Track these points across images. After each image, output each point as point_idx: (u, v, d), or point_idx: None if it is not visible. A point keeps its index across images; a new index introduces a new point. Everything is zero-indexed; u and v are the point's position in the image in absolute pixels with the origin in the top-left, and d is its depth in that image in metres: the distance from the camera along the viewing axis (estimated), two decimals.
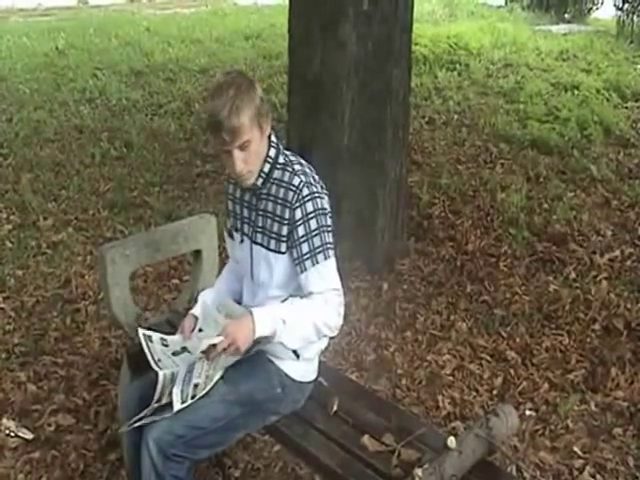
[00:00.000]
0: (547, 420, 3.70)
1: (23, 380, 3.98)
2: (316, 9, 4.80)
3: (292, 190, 2.53)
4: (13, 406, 3.78)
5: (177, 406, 2.48)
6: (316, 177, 2.64)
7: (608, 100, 8.80)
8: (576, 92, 9.08)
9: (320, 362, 2.91)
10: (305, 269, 2.55)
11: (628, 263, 5.19)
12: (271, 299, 2.66)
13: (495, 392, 3.93)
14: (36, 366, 4.10)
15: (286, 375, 2.72)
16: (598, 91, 9.06)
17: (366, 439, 2.62)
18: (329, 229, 2.59)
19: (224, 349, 2.45)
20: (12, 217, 5.86)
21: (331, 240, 2.59)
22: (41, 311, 4.65)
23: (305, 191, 2.53)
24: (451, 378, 4.03)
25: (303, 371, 2.77)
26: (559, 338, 4.37)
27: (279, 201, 2.57)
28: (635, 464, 3.43)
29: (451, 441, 2.41)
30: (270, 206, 2.60)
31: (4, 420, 3.65)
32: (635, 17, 13.28)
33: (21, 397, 3.84)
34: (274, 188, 2.59)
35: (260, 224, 2.66)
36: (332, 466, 2.54)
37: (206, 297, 2.94)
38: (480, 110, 8.57)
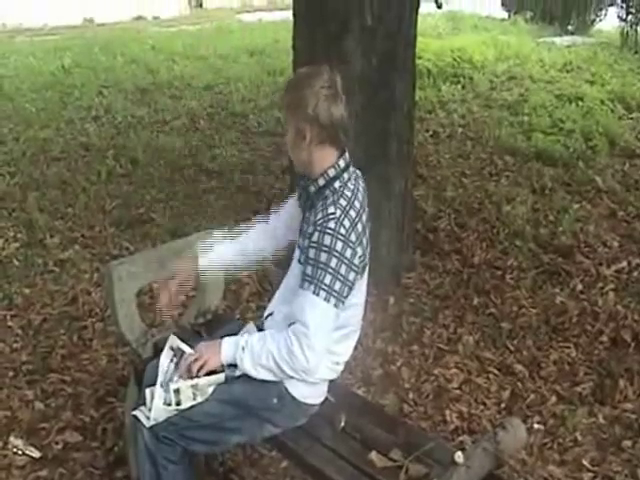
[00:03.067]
0: (555, 433, 3.68)
1: (30, 398, 3.98)
2: (320, 25, 4.82)
3: (323, 214, 2.52)
4: (21, 424, 3.77)
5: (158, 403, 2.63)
6: (359, 226, 2.60)
7: (613, 111, 8.81)
8: (580, 103, 9.10)
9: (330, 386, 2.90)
10: (300, 286, 2.54)
11: (635, 274, 5.18)
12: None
13: (503, 405, 3.91)
14: (43, 384, 4.10)
15: (285, 389, 2.70)
16: (602, 102, 9.07)
17: (374, 455, 2.61)
18: (339, 277, 2.50)
19: (193, 361, 2.63)
20: (19, 235, 5.87)
21: (336, 288, 2.50)
22: (48, 329, 4.65)
23: (331, 224, 2.49)
24: (458, 392, 4.01)
25: (305, 392, 2.74)
26: (566, 350, 4.35)
27: (315, 212, 2.57)
28: None
29: (459, 456, 2.40)
30: (308, 213, 2.65)
31: (12, 438, 3.64)
32: (638, 28, 13.29)
33: (28, 415, 3.84)
34: (318, 204, 2.59)
35: (306, 216, 2.70)
36: None
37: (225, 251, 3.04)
38: (484, 123, 8.59)
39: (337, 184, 2.61)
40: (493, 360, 4.28)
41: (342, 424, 2.81)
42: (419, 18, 5.15)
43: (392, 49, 4.82)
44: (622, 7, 13.92)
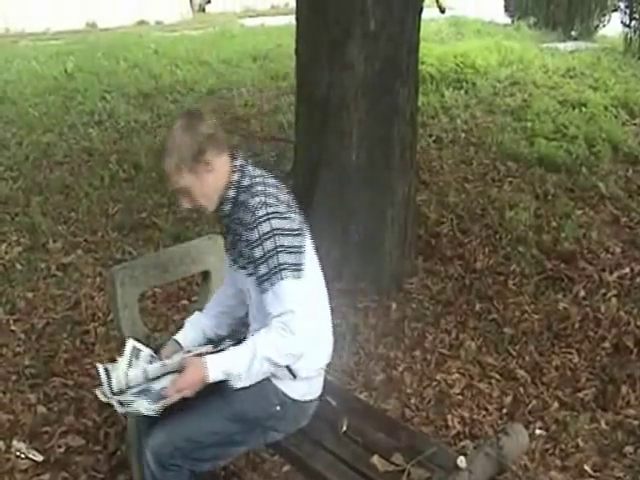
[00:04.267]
0: (557, 439, 3.69)
1: (33, 402, 3.99)
2: (323, 30, 4.83)
3: (249, 211, 2.56)
4: (23, 428, 3.78)
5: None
6: (282, 196, 2.65)
7: (616, 117, 8.80)
8: (584, 109, 9.08)
9: (325, 379, 2.89)
10: (264, 291, 2.54)
11: (638, 280, 5.17)
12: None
13: (505, 411, 3.91)
14: (46, 388, 4.11)
15: (284, 394, 2.71)
16: (606, 108, 9.06)
17: (376, 459, 2.61)
18: (290, 249, 2.54)
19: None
20: (22, 239, 5.88)
21: (292, 261, 2.52)
22: (51, 333, 4.66)
23: (260, 212, 2.54)
24: (460, 397, 4.02)
25: (302, 390, 2.75)
26: (569, 356, 4.35)
27: (243, 223, 2.59)
28: None
29: (461, 460, 2.40)
30: (240, 230, 2.63)
31: (14, 442, 3.65)
32: None
33: (31, 419, 3.85)
34: (241, 212, 2.62)
35: (237, 248, 2.69)
36: None
37: (194, 322, 3.02)
38: (487, 128, 8.58)
39: (245, 182, 2.66)
40: (495, 365, 4.29)
41: (344, 428, 2.81)
42: (422, 23, 5.17)
43: (395, 54, 4.84)
44: (625, 13, 13.90)
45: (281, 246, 2.52)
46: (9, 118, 9.17)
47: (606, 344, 4.45)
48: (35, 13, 16.61)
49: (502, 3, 17.32)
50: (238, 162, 2.70)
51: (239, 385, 2.56)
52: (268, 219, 2.52)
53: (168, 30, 17.22)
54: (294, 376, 2.69)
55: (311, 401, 2.82)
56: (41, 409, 3.94)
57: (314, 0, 4.95)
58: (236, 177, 2.66)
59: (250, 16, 20.03)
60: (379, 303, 4.91)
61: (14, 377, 4.22)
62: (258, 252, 2.53)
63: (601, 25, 15.96)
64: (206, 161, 2.61)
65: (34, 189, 6.89)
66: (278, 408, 2.72)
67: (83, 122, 9.03)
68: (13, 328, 4.71)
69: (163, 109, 9.61)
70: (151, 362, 2.80)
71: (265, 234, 2.51)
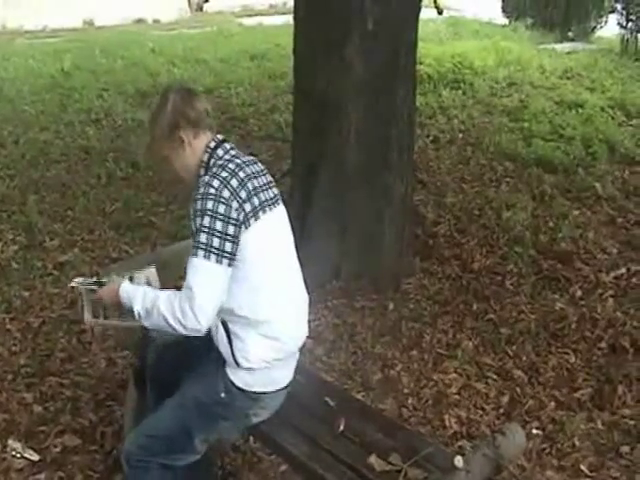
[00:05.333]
0: (554, 439, 3.69)
1: (29, 401, 3.98)
2: (321, 29, 4.84)
3: (202, 185, 2.62)
4: (19, 427, 3.77)
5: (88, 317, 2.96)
6: (236, 182, 2.65)
7: (613, 118, 8.81)
8: (580, 110, 9.09)
9: (322, 379, 2.88)
10: (190, 255, 2.60)
11: (634, 280, 5.18)
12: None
13: (502, 411, 3.92)
14: (42, 387, 4.10)
15: (230, 382, 2.74)
16: (602, 109, 9.07)
17: (373, 459, 2.61)
18: (217, 233, 2.56)
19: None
20: (18, 238, 5.87)
21: (214, 244, 2.55)
22: (47, 332, 4.65)
23: (202, 190, 2.60)
24: (457, 397, 4.02)
25: (246, 380, 2.75)
26: (565, 356, 4.36)
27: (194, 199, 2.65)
28: None
29: (458, 460, 2.40)
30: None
31: (10, 441, 3.64)
32: (639, 35, 13.31)
33: (27, 418, 3.84)
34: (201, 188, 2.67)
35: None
36: None
37: None
38: (485, 129, 8.59)
39: (211, 162, 2.74)
40: (492, 365, 4.29)
41: (341, 428, 2.81)
42: (420, 24, 5.17)
43: (393, 54, 4.84)
44: (622, 14, 13.91)
45: (209, 227, 2.55)
46: (5, 116, 9.15)
47: (602, 344, 4.45)
48: (32, 11, 16.57)
49: (500, 4, 17.32)
50: (212, 144, 2.77)
51: (142, 322, 2.69)
52: (206, 198, 2.57)
53: (166, 28, 17.18)
54: (237, 364, 2.71)
55: (262, 393, 2.79)
56: (37, 408, 3.92)
57: (312, 0, 4.95)
58: (205, 157, 2.75)
59: (248, 15, 19.96)
60: (376, 303, 4.91)
61: (10, 376, 4.20)
62: (192, 225, 2.60)
63: (598, 26, 15.97)
64: (180, 137, 2.73)
65: (30, 187, 6.88)
66: (223, 395, 2.75)
67: (80, 120, 9.01)
68: (9, 327, 4.69)
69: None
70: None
71: (199, 211, 2.58)
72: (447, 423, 3.81)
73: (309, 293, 2.96)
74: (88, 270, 5.33)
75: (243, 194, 2.63)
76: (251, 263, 2.65)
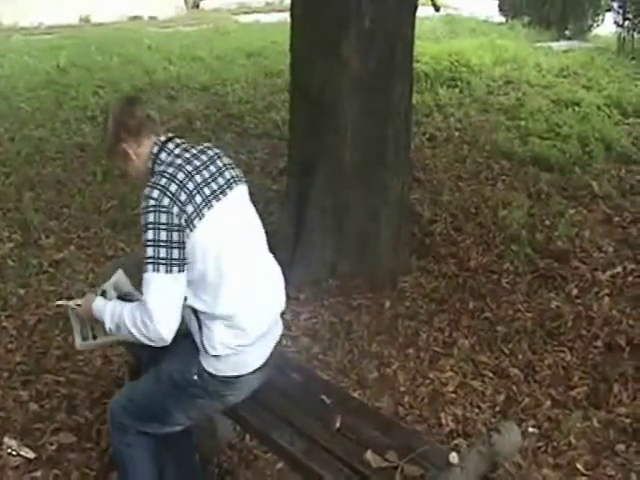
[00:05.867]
0: (550, 437, 3.69)
1: (25, 399, 3.97)
2: (318, 27, 4.83)
3: (143, 198, 2.63)
4: (15, 425, 3.76)
5: (78, 341, 3.02)
6: (173, 188, 2.62)
7: (609, 117, 8.80)
8: (577, 109, 9.09)
9: (318, 377, 2.88)
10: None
11: (630, 279, 5.18)
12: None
13: (498, 409, 3.92)
14: (38, 385, 4.09)
15: (203, 367, 2.77)
16: (599, 108, 9.07)
17: (369, 454, 2.61)
18: (163, 243, 2.57)
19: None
20: (14, 235, 5.85)
21: (161, 255, 2.57)
22: (43, 329, 4.64)
23: (144, 203, 2.61)
24: (453, 395, 4.02)
25: (217, 366, 2.76)
26: (561, 355, 4.36)
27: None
28: None
29: (454, 457, 2.41)
30: None
31: (6, 439, 3.64)
32: (635, 34, 13.31)
33: (23, 416, 3.83)
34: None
35: None
36: None
37: None
38: (481, 127, 8.59)
39: (155, 167, 2.75)
40: (488, 364, 4.29)
41: (337, 425, 2.81)
42: (417, 21, 5.16)
43: (390, 52, 4.84)
44: (619, 13, 13.91)
45: (153, 240, 2.57)
46: (1, 113, 9.13)
47: (598, 343, 4.45)
48: (28, 7, 16.53)
49: (496, 2, 17.32)
50: (155, 148, 2.78)
51: (112, 329, 2.77)
52: (147, 212, 2.59)
53: (162, 26, 17.17)
54: (205, 350, 2.74)
55: (234, 377, 2.80)
56: (33, 406, 3.92)
57: None
58: (150, 164, 2.77)
59: (245, 12, 19.96)
60: (373, 301, 4.91)
61: (6, 374, 4.20)
62: (143, 238, 2.61)
63: (594, 25, 15.98)
64: (124, 151, 2.79)
65: (26, 185, 6.87)
66: (195, 377, 2.78)
67: (76, 117, 8.99)
68: (5, 324, 4.69)
69: (156, 105, 9.56)
70: None
71: (143, 226, 2.60)
72: (443, 421, 3.81)
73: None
74: (84, 267, 5.34)
75: (183, 197, 2.62)
76: (204, 262, 2.65)
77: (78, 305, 2.98)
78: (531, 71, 11.19)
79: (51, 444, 3.64)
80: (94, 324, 2.95)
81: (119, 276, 3.07)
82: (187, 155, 2.77)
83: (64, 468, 3.50)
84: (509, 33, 14.68)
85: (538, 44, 13.66)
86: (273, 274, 2.97)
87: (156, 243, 2.57)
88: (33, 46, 13.48)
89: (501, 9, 17.18)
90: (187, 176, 2.67)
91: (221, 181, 2.78)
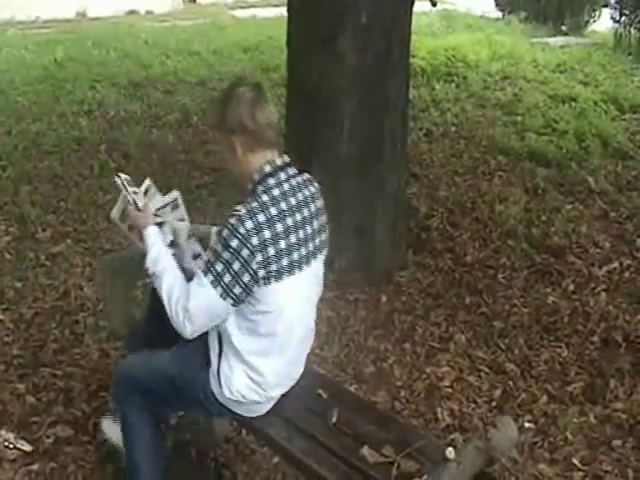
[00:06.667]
0: (546, 432, 3.70)
1: (22, 392, 3.97)
2: (315, 22, 4.82)
3: (236, 215, 2.53)
4: (12, 418, 3.76)
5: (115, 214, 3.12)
6: (267, 235, 2.52)
7: (606, 112, 8.82)
8: (574, 104, 9.11)
9: (316, 371, 2.89)
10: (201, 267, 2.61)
11: (626, 275, 5.20)
12: None
13: (494, 404, 3.93)
14: (35, 378, 4.08)
15: (211, 392, 2.78)
16: (596, 103, 9.09)
17: (365, 450, 2.62)
18: (234, 276, 2.51)
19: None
20: (11, 229, 5.84)
21: (228, 284, 2.52)
22: (40, 323, 4.63)
23: (239, 228, 2.50)
24: (450, 390, 4.03)
25: (226, 400, 2.77)
26: (558, 350, 4.37)
27: (227, 220, 2.58)
28: (634, 476, 3.44)
29: (450, 452, 2.41)
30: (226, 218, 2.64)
31: (3, 432, 3.63)
32: (632, 29, 13.33)
33: (20, 409, 3.83)
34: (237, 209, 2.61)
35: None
36: (331, 478, 2.54)
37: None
38: (478, 122, 8.60)
39: (260, 188, 2.61)
40: (485, 359, 4.30)
41: (334, 419, 2.82)
42: (414, 17, 5.16)
43: (386, 47, 4.83)
44: (615, 9, 13.94)
45: (226, 261, 2.51)
46: None
47: (595, 338, 4.47)
48: (25, 1, 16.48)
49: None
50: (268, 168, 2.63)
51: (150, 272, 2.78)
52: (233, 235, 2.50)
53: (159, 20, 17.11)
54: (219, 385, 2.74)
55: (238, 414, 2.85)
56: (30, 399, 3.91)
57: None
58: (256, 177, 2.63)
59: (241, 7, 19.88)
60: (369, 295, 4.91)
61: (2, 367, 4.19)
62: (216, 246, 2.56)
63: (591, 20, 15.99)
64: (232, 144, 2.64)
65: (23, 178, 6.85)
66: (201, 396, 2.79)
67: (73, 111, 8.97)
68: (1, 318, 4.67)
69: (153, 99, 9.57)
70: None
71: (223, 238, 2.52)
72: (440, 416, 3.81)
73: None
74: (81, 261, 5.33)
75: (271, 251, 2.54)
76: (259, 314, 2.63)
77: (134, 194, 3.02)
78: (528, 66, 11.21)
79: (48, 437, 3.64)
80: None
81: (182, 228, 3.09)
82: (292, 201, 2.63)
83: (61, 461, 3.49)
84: (506, 28, 14.68)
85: (535, 40, 13.66)
86: (308, 345, 2.95)
87: (226, 267, 2.51)
88: (30, 40, 13.43)
89: (498, 4, 17.16)
90: (284, 232, 2.57)
91: (310, 246, 2.71)
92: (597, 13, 15.86)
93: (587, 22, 16.01)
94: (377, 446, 2.64)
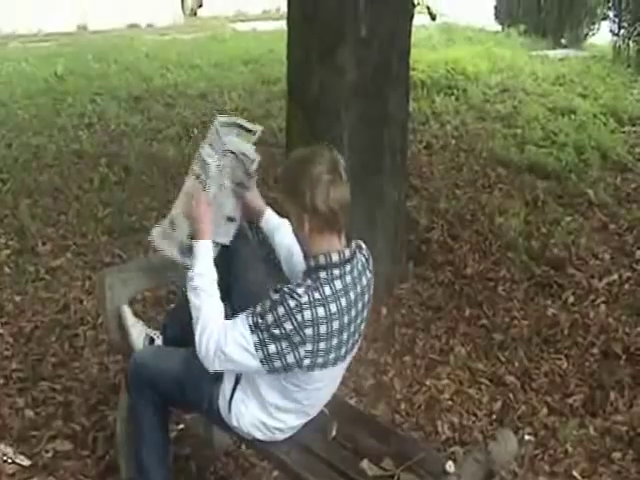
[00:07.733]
0: (546, 445, 3.69)
1: (21, 406, 3.96)
2: (314, 35, 4.84)
3: (293, 293, 2.43)
4: (11, 432, 3.75)
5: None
6: (322, 330, 2.45)
7: (605, 125, 8.83)
8: (573, 117, 9.13)
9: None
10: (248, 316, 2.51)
11: (626, 287, 5.20)
12: None
13: (494, 417, 3.92)
14: (34, 392, 4.08)
15: (217, 409, 2.78)
16: (595, 116, 9.10)
17: (365, 464, 2.61)
18: (277, 353, 2.45)
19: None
20: (10, 242, 5.84)
21: (269, 355, 2.45)
22: (39, 336, 4.63)
23: (298, 315, 2.41)
24: (450, 403, 4.02)
25: (232, 423, 2.77)
26: (558, 362, 4.37)
27: (287, 286, 2.50)
28: None
29: (450, 465, 2.41)
30: (277, 283, 2.59)
31: (1, 446, 3.62)
32: (631, 42, 13.35)
33: (19, 423, 3.82)
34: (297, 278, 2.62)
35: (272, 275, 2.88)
36: None
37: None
38: (478, 135, 8.60)
39: (323, 274, 2.49)
40: (485, 371, 4.29)
41: (333, 433, 2.81)
42: (413, 30, 5.18)
43: (386, 60, 4.84)
44: (614, 22, 13.97)
45: (274, 338, 2.44)
46: None
47: (595, 350, 4.47)
48: (26, 15, 16.54)
49: (493, 11, 17.37)
50: (335, 257, 2.51)
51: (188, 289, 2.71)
52: (288, 316, 2.41)
53: (159, 33, 17.16)
54: (229, 411, 2.73)
55: (239, 433, 2.84)
56: (29, 413, 3.90)
57: (306, 5, 4.95)
58: (322, 261, 2.50)
59: (242, 20, 19.95)
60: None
61: (2, 381, 4.18)
62: (265, 308, 2.46)
63: (590, 33, 16.02)
64: (301, 218, 2.51)
65: (23, 191, 6.85)
66: (205, 406, 2.80)
67: (73, 124, 8.99)
68: (1, 331, 4.67)
69: (154, 112, 9.59)
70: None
71: (275, 312, 2.42)
72: (440, 429, 3.81)
73: None
74: (81, 274, 5.33)
75: (322, 345, 2.48)
76: (294, 385, 2.61)
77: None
78: (527, 79, 11.23)
79: (47, 451, 3.63)
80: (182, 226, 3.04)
81: (247, 150, 3.28)
82: (351, 296, 2.55)
83: (60, 476, 3.48)
84: (505, 41, 14.71)
85: (534, 52, 13.70)
86: (334, 387, 2.90)
87: (274, 340, 2.44)
88: (31, 53, 13.47)
89: (497, 17, 17.22)
90: (338, 329, 2.51)
91: (350, 345, 2.64)
92: (596, 26, 15.89)
93: (586, 35, 16.05)
94: (377, 459, 2.63)
